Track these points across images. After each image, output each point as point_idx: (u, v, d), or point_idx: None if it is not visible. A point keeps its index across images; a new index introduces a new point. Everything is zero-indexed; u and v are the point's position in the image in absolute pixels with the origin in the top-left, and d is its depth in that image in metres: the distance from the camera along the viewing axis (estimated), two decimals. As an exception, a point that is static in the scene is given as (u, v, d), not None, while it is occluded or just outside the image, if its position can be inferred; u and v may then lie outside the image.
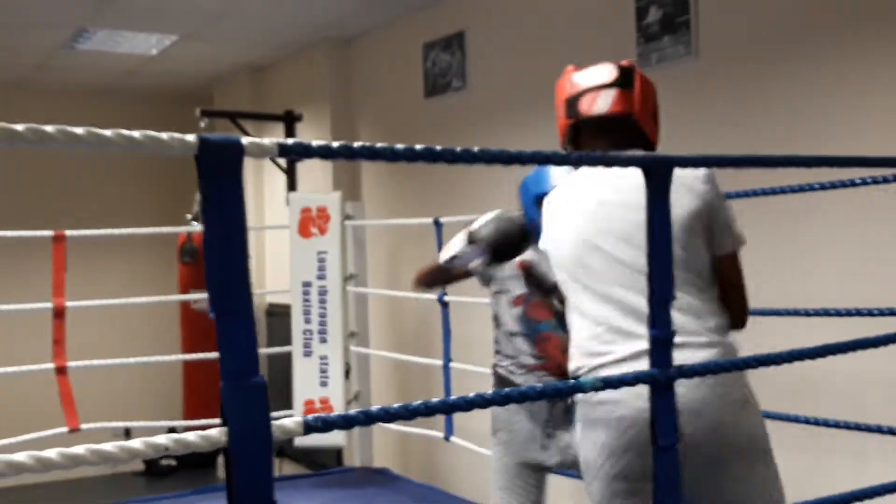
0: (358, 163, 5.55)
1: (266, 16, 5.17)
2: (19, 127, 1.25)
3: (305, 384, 4.92)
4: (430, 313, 4.76)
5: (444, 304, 4.24)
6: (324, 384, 4.87)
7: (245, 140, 1.40)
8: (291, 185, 5.88)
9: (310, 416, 1.46)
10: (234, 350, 1.41)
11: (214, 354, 4.70)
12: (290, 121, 5.88)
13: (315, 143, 1.47)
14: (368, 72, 5.61)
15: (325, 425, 1.48)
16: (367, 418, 1.64)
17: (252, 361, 1.41)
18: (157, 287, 6.46)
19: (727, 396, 1.89)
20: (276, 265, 6.47)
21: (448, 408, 1.60)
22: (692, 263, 1.94)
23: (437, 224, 4.23)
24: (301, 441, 4.92)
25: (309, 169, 5.80)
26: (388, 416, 1.56)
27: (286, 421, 1.44)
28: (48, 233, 4.40)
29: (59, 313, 4.46)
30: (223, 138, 1.39)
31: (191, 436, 1.37)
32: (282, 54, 6.10)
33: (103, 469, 6.88)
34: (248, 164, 6.52)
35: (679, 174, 1.70)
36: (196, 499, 5.07)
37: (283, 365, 5.88)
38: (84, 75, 6.60)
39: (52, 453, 1.19)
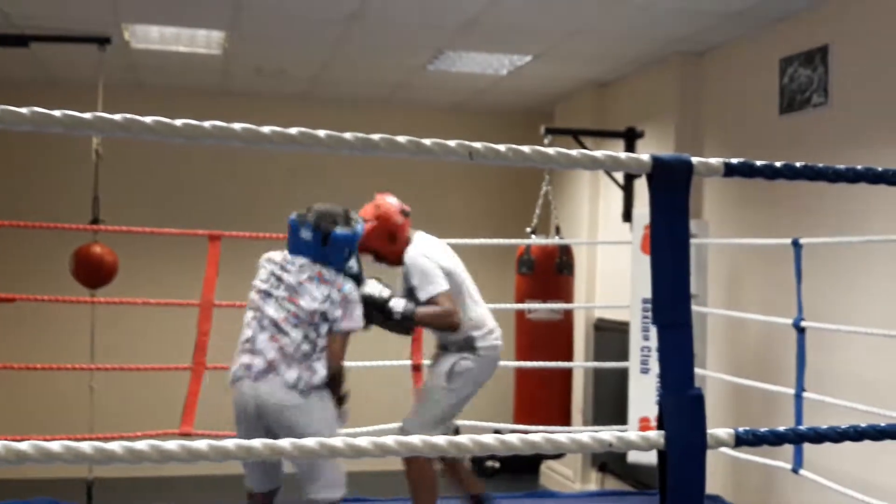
0: (699, 180, 5.47)
1: (620, 33, 5.26)
2: (502, 147, 1.40)
3: (641, 401, 4.93)
4: (779, 338, 4.59)
5: (801, 330, 4.06)
6: (661, 402, 4.86)
7: (695, 160, 1.46)
8: (628, 202, 5.93)
9: (741, 430, 1.49)
10: (674, 361, 1.47)
11: (546, 364, 5.00)
12: (630, 137, 5.93)
13: (759, 162, 1.50)
14: (718, 87, 5.52)
15: (756, 439, 1.50)
16: (797, 436, 1.64)
17: (690, 373, 1.46)
18: (495, 295, 6.76)
19: None
20: (607, 281, 6.55)
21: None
22: None
23: (797, 245, 4.07)
24: (634, 457, 4.94)
25: (646, 185, 5.81)
26: (816, 436, 1.55)
27: (719, 431, 1.48)
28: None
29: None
30: (674, 158, 1.45)
31: (632, 435, 1.45)
32: (628, 70, 6.17)
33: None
34: (584, 180, 6.67)
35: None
36: (520, 502, 5.25)
37: (613, 380, 5.94)
38: (436, 94, 7.10)
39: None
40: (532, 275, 5.96)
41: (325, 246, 3.41)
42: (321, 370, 3.34)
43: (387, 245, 3.79)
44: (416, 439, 1.34)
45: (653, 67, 5.96)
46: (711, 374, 5.03)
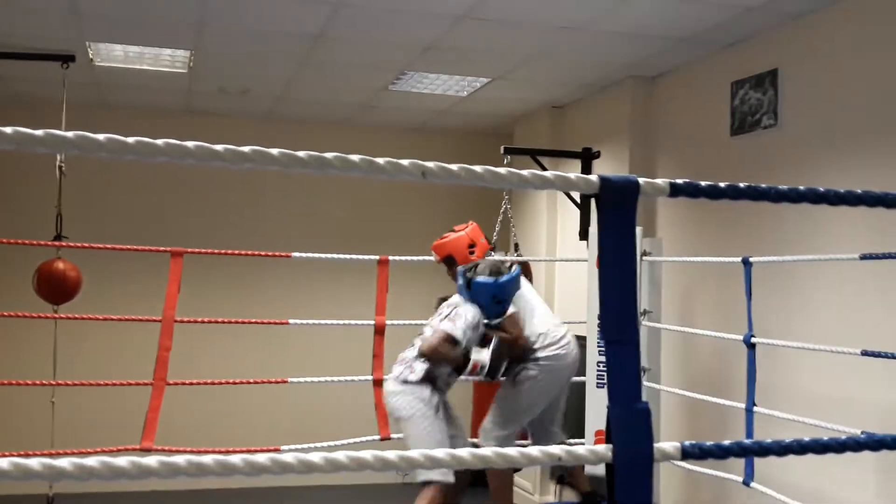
0: (654, 199, 5.58)
1: (575, 57, 5.36)
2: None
3: (598, 414, 5.00)
4: (731, 353, 4.70)
5: (751, 346, 4.17)
6: (617, 417, 4.93)
7: (641, 181, 1.51)
8: (585, 220, 6.02)
9: (687, 443, 1.54)
10: (622, 376, 1.51)
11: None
12: (587, 158, 6.03)
13: (704, 183, 1.56)
14: (671, 109, 5.65)
15: (702, 452, 1.55)
16: (741, 450, 1.70)
17: (637, 387, 1.52)
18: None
19: None
20: (565, 296, 6.63)
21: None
22: None
23: (747, 263, 4.18)
24: (591, 469, 5.01)
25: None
26: (761, 450, 1.61)
27: (666, 445, 1.53)
28: (374, 257, 4.85)
29: (380, 330, 4.87)
30: (622, 179, 1.51)
31: (580, 449, 1.50)
32: (584, 93, 6.28)
33: (394, 478, 7.34)
34: (543, 199, 6.77)
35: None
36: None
37: (571, 394, 6.00)
38: (398, 115, 7.16)
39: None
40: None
41: (469, 290, 4.14)
42: (418, 369, 4.05)
43: (465, 254, 4.49)
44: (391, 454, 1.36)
45: (608, 90, 6.08)
46: (665, 389, 5.12)
